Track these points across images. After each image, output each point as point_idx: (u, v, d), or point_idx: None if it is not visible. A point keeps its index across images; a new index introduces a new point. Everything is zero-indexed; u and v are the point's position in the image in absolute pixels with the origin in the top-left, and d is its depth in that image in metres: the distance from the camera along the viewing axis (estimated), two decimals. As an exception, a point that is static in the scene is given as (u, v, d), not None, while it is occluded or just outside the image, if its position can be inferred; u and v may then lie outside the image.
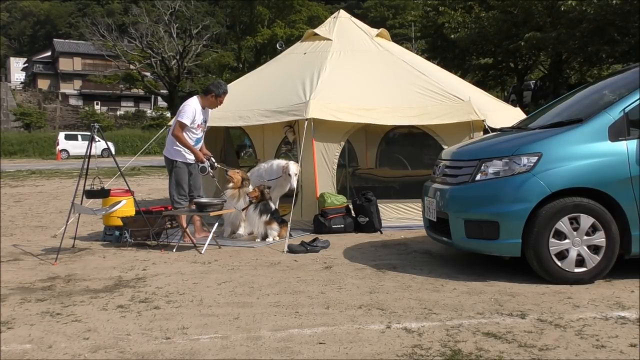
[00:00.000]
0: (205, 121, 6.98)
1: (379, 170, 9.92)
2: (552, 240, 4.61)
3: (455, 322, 3.82)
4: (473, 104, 7.71)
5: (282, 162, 7.66)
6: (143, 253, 6.40)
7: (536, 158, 4.68)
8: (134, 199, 7.07)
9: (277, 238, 6.90)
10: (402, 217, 7.67)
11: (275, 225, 6.93)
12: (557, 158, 4.66)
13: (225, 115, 8.38)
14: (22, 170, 22.24)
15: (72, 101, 60.66)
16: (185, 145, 6.74)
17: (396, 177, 9.40)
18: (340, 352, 3.36)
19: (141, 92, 55.08)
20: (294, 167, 7.39)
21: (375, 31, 9.66)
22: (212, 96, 6.86)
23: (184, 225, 6.91)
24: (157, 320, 4.00)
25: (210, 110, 7.06)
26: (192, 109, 6.75)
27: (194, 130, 6.81)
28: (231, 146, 10.77)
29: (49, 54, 67.75)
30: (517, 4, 21.45)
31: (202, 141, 6.99)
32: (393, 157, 10.20)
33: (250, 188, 7.12)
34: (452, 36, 23.63)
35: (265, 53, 47.53)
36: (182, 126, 6.72)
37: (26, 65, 70.87)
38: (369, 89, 8.19)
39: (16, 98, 54.12)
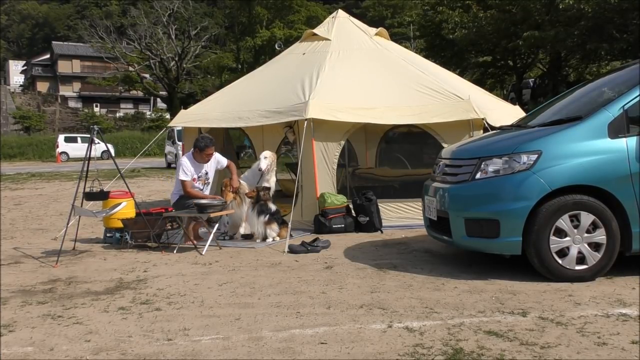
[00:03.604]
0: (204, 174, 7.12)
1: (379, 169, 9.92)
2: (552, 238, 4.61)
3: (456, 320, 3.82)
4: (472, 102, 7.71)
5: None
6: (144, 255, 6.40)
7: (536, 156, 4.68)
8: (134, 200, 7.07)
9: (277, 238, 6.90)
10: (402, 216, 7.67)
11: (274, 226, 6.93)
12: (557, 156, 4.66)
13: (224, 116, 8.40)
14: (22, 173, 22.24)
15: (72, 103, 60.65)
16: (196, 196, 6.90)
17: (396, 176, 9.40)
18: (342, 352, 3.36)
19: (140, 93, 55.15)
20: (265, 152, 7.75)
21: (374, 30, 9.66)
22: (197, 151, 7.01)
23: (191, 233, 6.90)
24: (158, 321, 4.00)
25: (209, 163, 7.16)
26: (183, 163, 7.03)
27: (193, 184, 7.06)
28: (231, 147, 10.77)
29: (47, 56, 67.78)
30: (515, 3, 21.46)
31: (208, 191, 7.21)
32: (393, 156, 10.21)
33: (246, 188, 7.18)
34: (451, 36, 23.64)
35: (264, 54, 47.56)
36: (185, 182, 6.97)
37: (25, 68, 70.90)
38: (368, 88, 8.19)
39: (15, 101, 54.13)
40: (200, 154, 7.01)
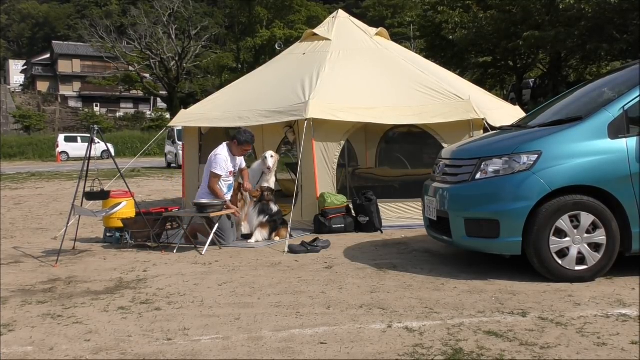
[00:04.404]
0: (234, 167, 7.12)
1: (379, 169, 9.92)
2: (552, 238, 4.61)
3: (456, 321, 3.82)
4: (473, 102, 7.71)
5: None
6: (144, 254, 6.40)
7: (536, 156, 4.68)
8: (134, 200, 7.06)
9: (275, 239, 6.88)
10: (402, 216, 7.67)
11: (265, 231, 6.93)
12: (557, 156, 4.66)
13: (224, 116, 8.40)
14: (22, 173, 22.24)
15: (72, 103, 60.67)
16: (220, 197, 6.87)
17: (396, 176, 9.39)
18: (342, 352, 3.36)
19: (140, 93, 55.19)
20: (269, 151, 7.73)
21: (374, 30, 9.66)
22: (236, 143, 7.01)
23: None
24: (158, 321, 4.00)
25: (240, 159, 7.19)
26: (223, 158, 6.95)
27: (225, 178, 7.00)
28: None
29: (48, 56, 67.78)
30: (515, 3, 21.45)
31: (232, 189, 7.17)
32: (393, 156, 10.20)
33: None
34: (451, 37, 23.64)
35: (264, 54, 47.59)
36: (217, 177, 6.90)
37: (25, 67, 70.90)
38: (369, 88, 8.19)
39: (15, 100, 54.14)
40: (238, 147, 7.01)
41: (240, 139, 6.99)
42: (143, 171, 21.32)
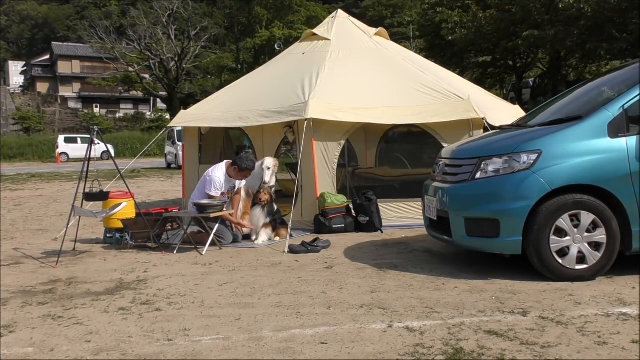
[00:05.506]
0: (232, 188, 7.08)
1: (379, 169, 9.92)
2: (552, 237, 4.61)
3: (456, 320, 3.82)
4: (472, 102, 7.71)
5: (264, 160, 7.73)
6: (144, 255, 6.40)
7: (536, 155, 4.68)
8: (134, 201, 7.06)
9: (266, 240, 6.88)
10: (402, 216, 7.67)
11: (269, 230, 6.95)
12: (557, 155, 4.66)
13: (224, 116, 8.41)
14: (22, 174, 22.24)
15: (71, 104, 60.68)
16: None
17: (396, 176, 9.40)
18: (342, 351, 3.36)
19: (140, 94, 55.22)
20: (268, 161, 7.52)
21: (373, 30, 9.67)
22: (236, 169, 6.96)
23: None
24: (158, 322, 4.00)
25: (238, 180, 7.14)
26: (217, 180, 6.91)
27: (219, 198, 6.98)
28: (231, 147, 10.77)
29: (47, 57, 67.79)
30: (515, 2, 21.46)
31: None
32: (393, 156, 10.20)
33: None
34: (450, 37, 23.63)
35: (263, 54, 47.59)
36: (212, 199, 6.90)
37: (25, 68, 70.90)
38: (368, 88, 8.19)
39: (15, 102, 54.15)
40: (238, 172, 6.96)
41: (241, 166, 6.91)
42: (143, 172, 21.33)
